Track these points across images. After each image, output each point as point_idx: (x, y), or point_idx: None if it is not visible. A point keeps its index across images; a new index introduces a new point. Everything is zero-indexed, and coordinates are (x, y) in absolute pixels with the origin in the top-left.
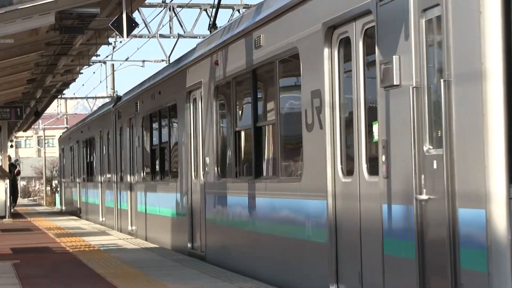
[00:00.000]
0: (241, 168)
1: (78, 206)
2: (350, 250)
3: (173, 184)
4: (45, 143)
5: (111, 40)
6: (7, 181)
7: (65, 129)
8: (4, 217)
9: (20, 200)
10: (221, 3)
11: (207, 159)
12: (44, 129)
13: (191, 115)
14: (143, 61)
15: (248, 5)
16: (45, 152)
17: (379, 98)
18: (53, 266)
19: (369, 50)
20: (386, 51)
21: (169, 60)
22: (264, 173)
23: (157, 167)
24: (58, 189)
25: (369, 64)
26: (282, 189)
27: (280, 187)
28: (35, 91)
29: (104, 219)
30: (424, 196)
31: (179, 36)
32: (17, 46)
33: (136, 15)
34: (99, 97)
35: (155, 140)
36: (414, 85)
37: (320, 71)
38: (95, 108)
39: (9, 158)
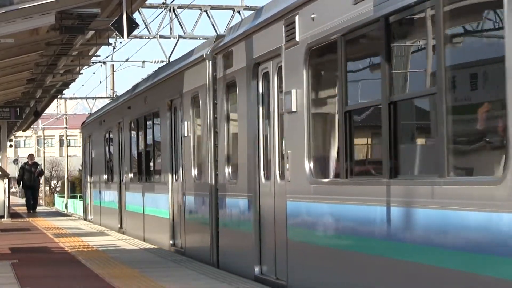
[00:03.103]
0: None
1: (120, 217)
2: None
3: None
4: (44, 143)
5: (111, 40)
6: (6, 180)
7: (64, 128)
8: (3, 216)
9: (19, 200)
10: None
11: None
12: (43, 129)
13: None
14: (143, 61)
15: (248, 6)
16: (44, 152)
17: None
18: (51, 266)
19: None
20: None
21: (169, 61)
22: None
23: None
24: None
25: None
26: None
27: None
28: (34, 91)
29: (177, 241)
30: None
31: (179, 37)
32: (17, 46)
33: (136, 15)
34: (98, 98)
35: (354, 94)
36: None
37: None
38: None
39: (32, 157)
